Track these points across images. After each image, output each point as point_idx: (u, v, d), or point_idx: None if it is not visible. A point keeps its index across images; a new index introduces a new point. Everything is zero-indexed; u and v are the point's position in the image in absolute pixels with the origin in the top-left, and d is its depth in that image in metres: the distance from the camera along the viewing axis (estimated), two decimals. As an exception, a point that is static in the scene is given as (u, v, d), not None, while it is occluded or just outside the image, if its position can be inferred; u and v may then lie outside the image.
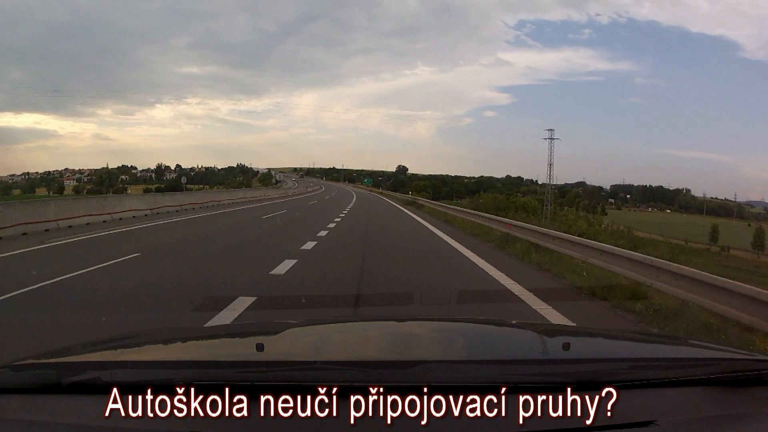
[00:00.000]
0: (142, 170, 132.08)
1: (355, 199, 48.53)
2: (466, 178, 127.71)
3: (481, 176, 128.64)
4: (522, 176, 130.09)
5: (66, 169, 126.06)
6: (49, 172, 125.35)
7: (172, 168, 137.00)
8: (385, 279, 7.76)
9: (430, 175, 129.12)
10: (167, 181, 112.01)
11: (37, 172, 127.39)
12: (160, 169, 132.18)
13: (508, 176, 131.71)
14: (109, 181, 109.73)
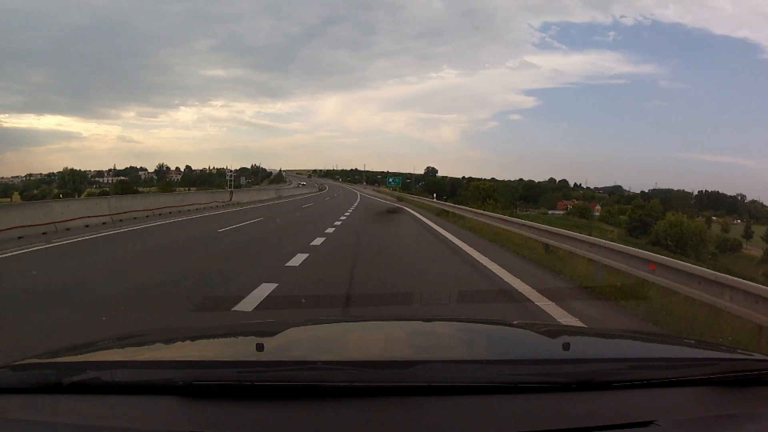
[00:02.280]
0: (151, 172, 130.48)
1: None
2: (494, 180, 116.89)
3: (520, 179, 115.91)
4: (558, 179, 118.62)
5: (66, 170, 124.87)
6: (52, 173, 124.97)
7: (182, 169, 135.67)
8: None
9: (471, 177, 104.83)
10: (169, 183, 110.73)
11: (40, 174, 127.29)
12: (161, 171, 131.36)
13: (551, 179, 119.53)
14: (73, 184, 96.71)
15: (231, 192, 30.98)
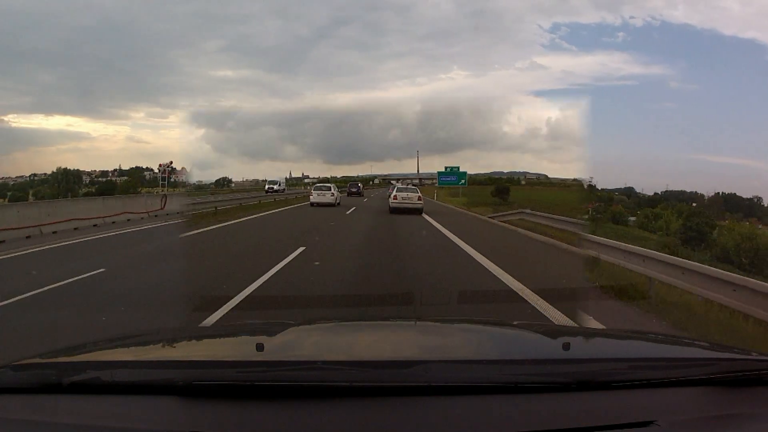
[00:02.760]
0: (156, 172, 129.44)
1: None
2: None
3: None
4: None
5: (59, 169, 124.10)
6: (55, 172, 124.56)
7: (187, 169, 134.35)
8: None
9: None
10: (170, 183, 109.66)
11: (44, 174, 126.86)
12: (165, 171, 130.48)
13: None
14: (66, 184, 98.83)
15: (164, 197, 19.57)
